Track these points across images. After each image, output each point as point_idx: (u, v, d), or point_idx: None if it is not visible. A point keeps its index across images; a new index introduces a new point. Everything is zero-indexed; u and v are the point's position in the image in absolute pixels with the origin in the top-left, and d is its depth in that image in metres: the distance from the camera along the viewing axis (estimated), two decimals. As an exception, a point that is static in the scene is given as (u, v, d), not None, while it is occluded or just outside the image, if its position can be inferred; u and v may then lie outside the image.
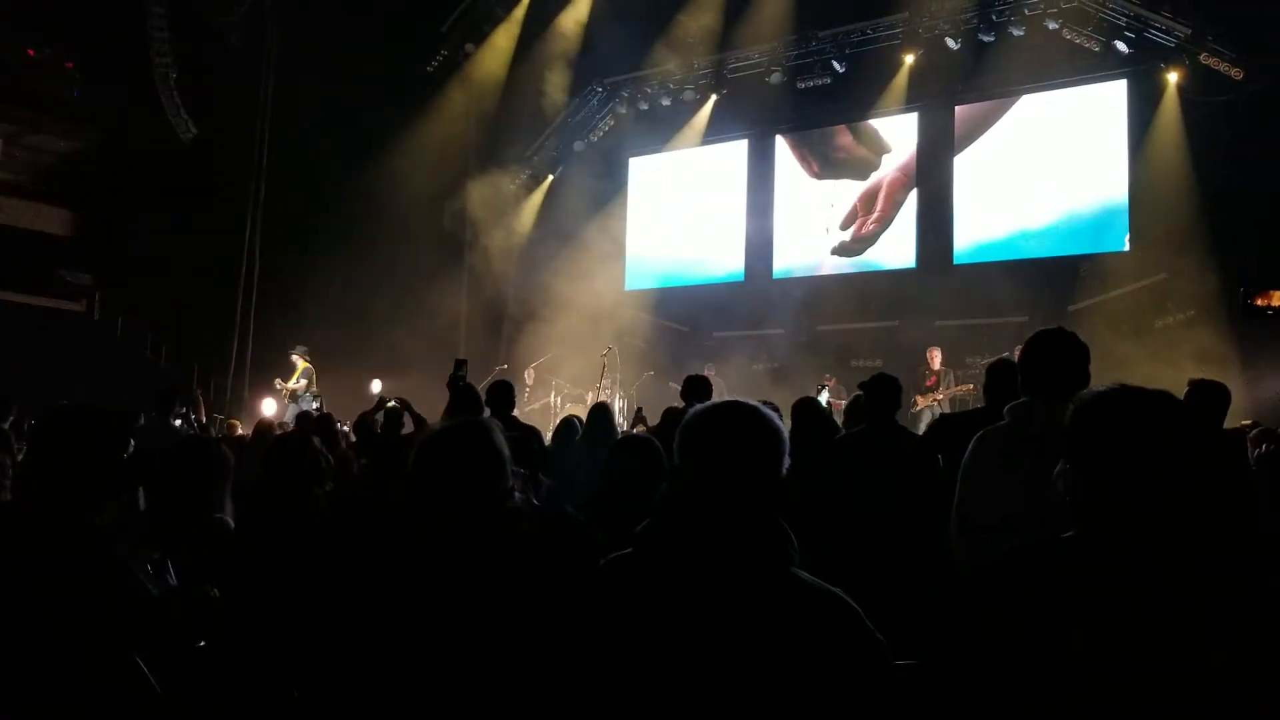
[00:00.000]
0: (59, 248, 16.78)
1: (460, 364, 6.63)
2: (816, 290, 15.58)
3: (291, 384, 13.58)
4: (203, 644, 2.54)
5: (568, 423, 7.44)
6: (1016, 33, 13.76)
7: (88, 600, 2.16)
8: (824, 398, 10.06)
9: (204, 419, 11.94)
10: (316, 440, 3.44)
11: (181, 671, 2.30)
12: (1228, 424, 6.06)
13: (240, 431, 10.61)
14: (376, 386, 13.91)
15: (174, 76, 14.63)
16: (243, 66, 15.08)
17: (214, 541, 3.05)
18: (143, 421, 7.67)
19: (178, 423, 8.58)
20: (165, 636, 2.28)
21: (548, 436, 7.92)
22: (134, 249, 15.54)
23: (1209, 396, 4.97)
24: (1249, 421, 6.94)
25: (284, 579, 2.75)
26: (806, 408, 5.64)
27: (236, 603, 2.53)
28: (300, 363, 13.72)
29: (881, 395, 5.00)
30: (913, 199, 15.46)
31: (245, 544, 3.04)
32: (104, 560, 2.24)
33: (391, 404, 7.20)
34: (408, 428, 7.62)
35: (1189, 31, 12.69)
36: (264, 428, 8.44)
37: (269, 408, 13.19)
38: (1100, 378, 2.98)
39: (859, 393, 5.50)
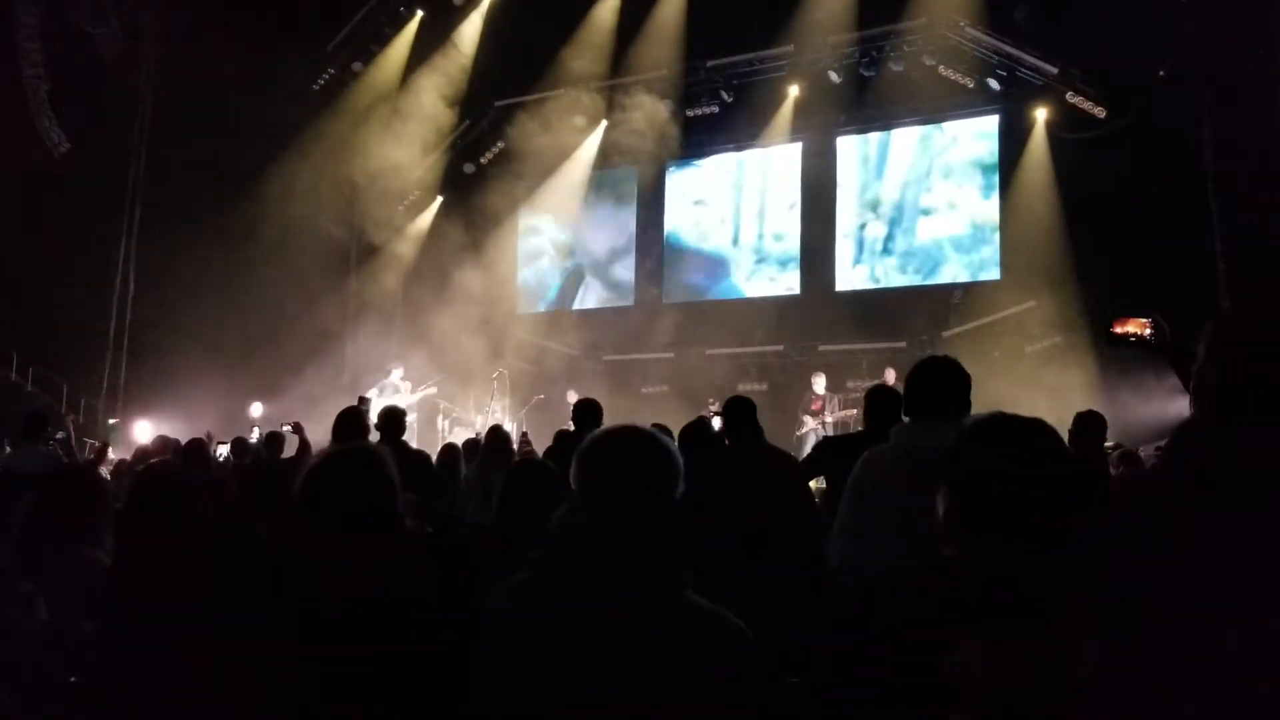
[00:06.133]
0: (-85, 265, 15.87)
1: (362, 399, 6.64)
2: (705, 315, 15.79)
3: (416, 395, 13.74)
4: (73, 680, 2.43)
5: (451, 448, 7.48)
6: (896, 68, 14.25)
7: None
8: (716, 423, 10.14)
9: (74, 444, 11.42)
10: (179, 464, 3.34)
11: (51, 708, 2.20)
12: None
13: (111, 456, 10.17)
14: (257, 410, 13.52)
15: (46, 89, 14.02)
16: (119, 80, 14.54)
17: (86, 576, 2.92)
18: (8, 449, 7.28)
19: (47, 448, 8.15)
20: (35, 671, 2.18)
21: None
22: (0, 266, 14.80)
23: (1091, 426, 5.63)
24: (1111, 444, 7.26)
25: (161, 613, 2.65)
26: (699, 431, 5.67)
27: (111, 638, 2.43)
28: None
29: (734, 416, 5.10)
30: (797, 227, 15.86)
31: (119, 577, 2.92)
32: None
33: (287, 429, 7.09)
34: (287, 452, 7.47)
35: (1055, 71, 13.35)
36: (141, 455, 8.14)
37: (143, 432, 12.69)
38: (974, 401, 3.13)
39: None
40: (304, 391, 13.44)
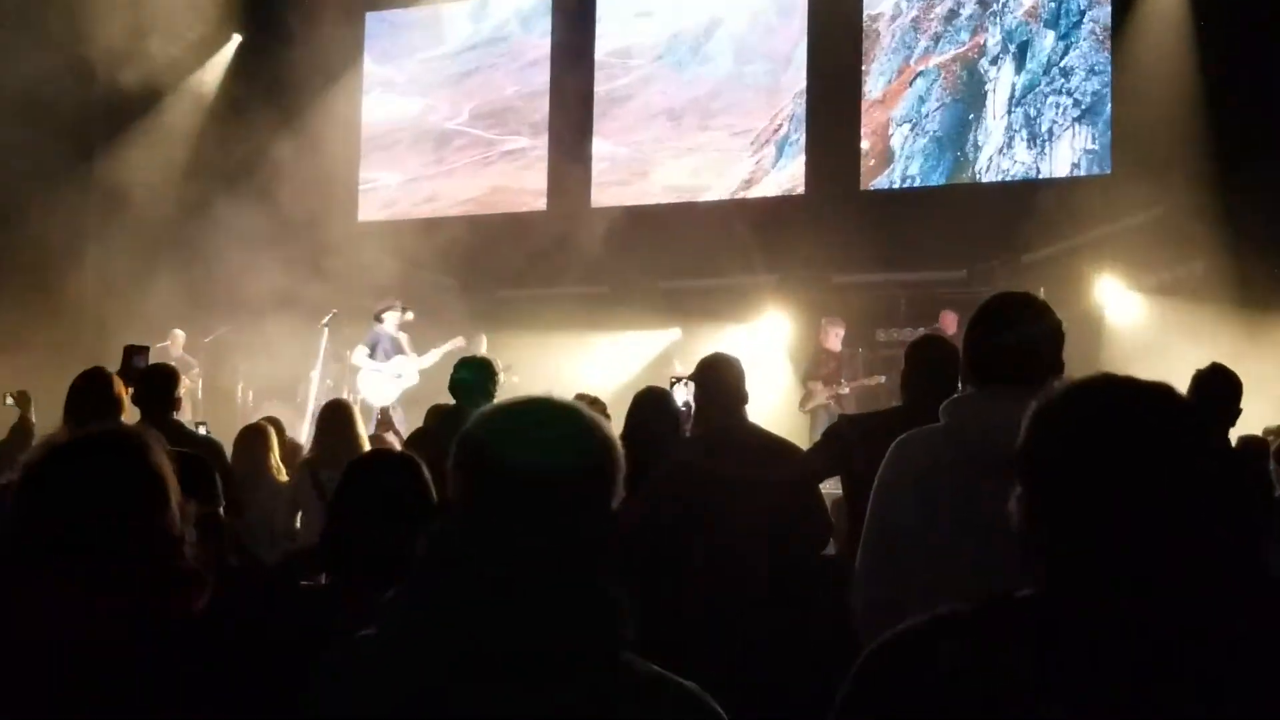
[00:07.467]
0: None
1: (133, 351, 6.58)
2: (658, 222, 15.79)
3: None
4: None
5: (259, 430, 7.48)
6: None
7: None
8: (681, 396, 10.23)
9: None
10: None
11: None
12: (1248, 429, 6.45)
13: None
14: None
15: None
16: None
17: None
18: None
19: None
20: None
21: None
22: None
23: (1215, 391, 5.34)
24: (1275, 426, 7.33)
25: None
26: (654, 407, 5.64)
27: None
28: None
29: (710, 386, 5.15)
30: (800, 96, 15.83)
31: None
32: None
33: (10, 402, 7.12)
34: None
35: None
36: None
37: None
38: (1074, 366, 3.15)
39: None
40: (36, 343, 13.22)
